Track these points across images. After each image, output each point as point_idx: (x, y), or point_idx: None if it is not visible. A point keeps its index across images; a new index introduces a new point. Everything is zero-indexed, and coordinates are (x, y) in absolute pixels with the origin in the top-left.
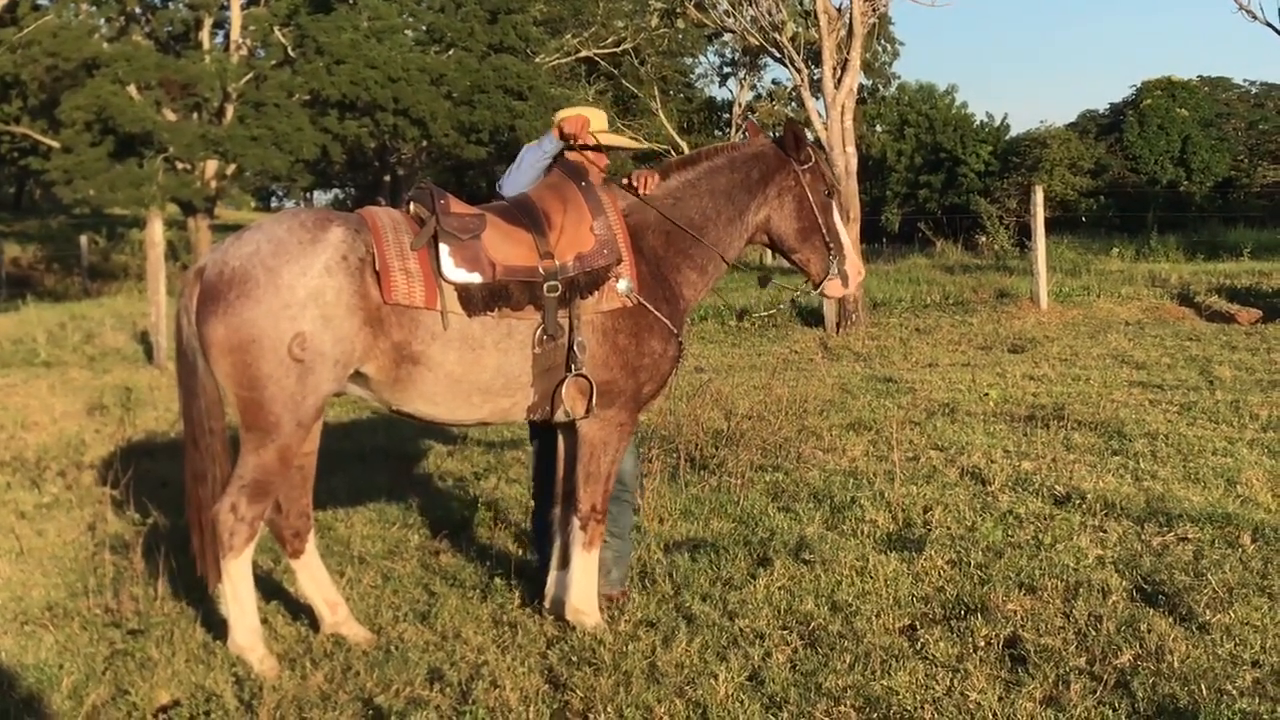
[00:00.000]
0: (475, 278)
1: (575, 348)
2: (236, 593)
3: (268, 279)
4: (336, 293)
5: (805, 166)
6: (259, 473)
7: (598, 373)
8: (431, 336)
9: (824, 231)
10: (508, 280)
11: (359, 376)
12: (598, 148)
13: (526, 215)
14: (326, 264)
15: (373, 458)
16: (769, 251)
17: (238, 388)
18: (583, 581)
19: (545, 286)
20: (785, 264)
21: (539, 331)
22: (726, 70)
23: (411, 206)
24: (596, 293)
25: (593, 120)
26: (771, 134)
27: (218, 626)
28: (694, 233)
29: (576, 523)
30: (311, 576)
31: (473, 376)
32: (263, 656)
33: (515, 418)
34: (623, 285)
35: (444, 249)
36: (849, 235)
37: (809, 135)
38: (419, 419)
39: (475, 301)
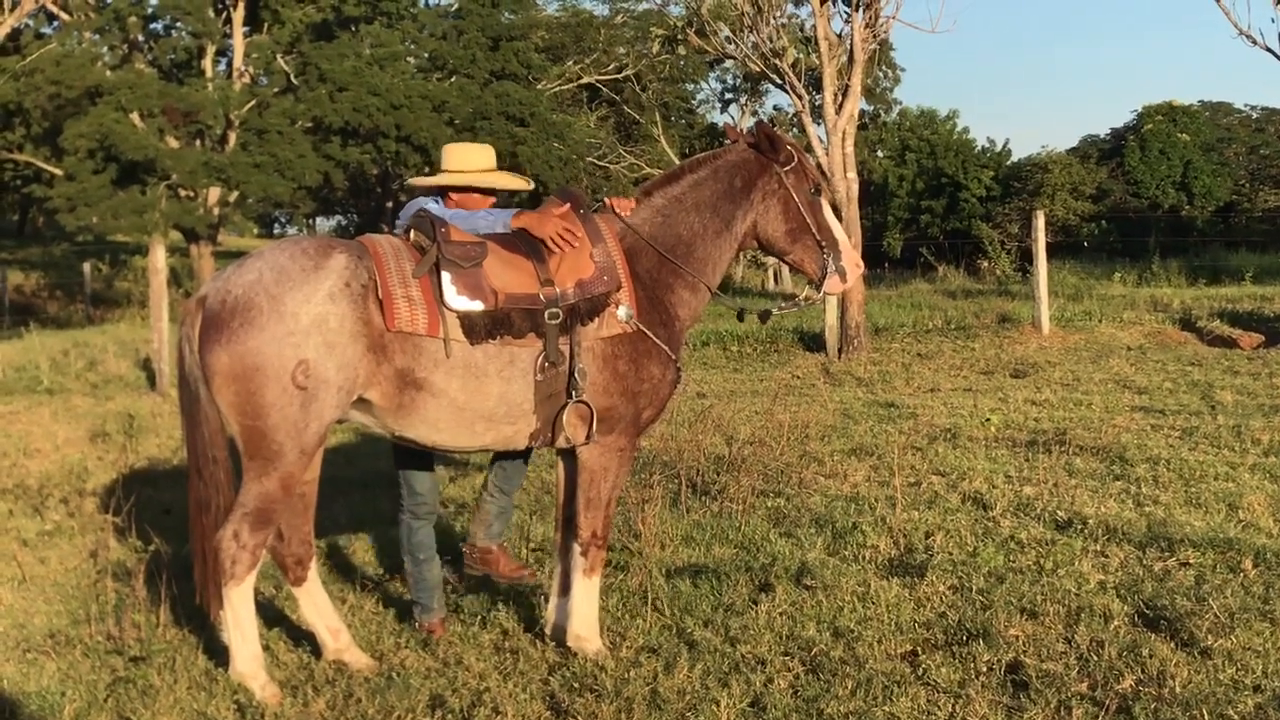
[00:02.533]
0: (478, 305)
1: (576, 374)
2: (238, 620)
3: (271, 306)
4: (340, 319)
5: (787, 167)
6: (261, 501)
7: (598, 399)
8: (435, 364)
9: (814, 230)
10: (510, 308)
11: (362, 402)
12: (489, 191)
13: (526, 243)
14: (330, 291)
15: (375, 483)
16: (771, 278)
17: (241, 416)
18: (584, 608)
19: (547, 314)
20: (783, 300)
21: (540, 359)
22: (728, 96)
23: (412, 234)
24: (597, 319)
25: (481, 156)
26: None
27: (220, 654)
28: (685, 249)
29: (577, 549)
30: (314, 604)
31: (476, 404)
32: (264, 684)
33: (518, 445)
34: (622, 312)
35: (446, 277)
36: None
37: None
38: (421, 445)
39: (478, 329)
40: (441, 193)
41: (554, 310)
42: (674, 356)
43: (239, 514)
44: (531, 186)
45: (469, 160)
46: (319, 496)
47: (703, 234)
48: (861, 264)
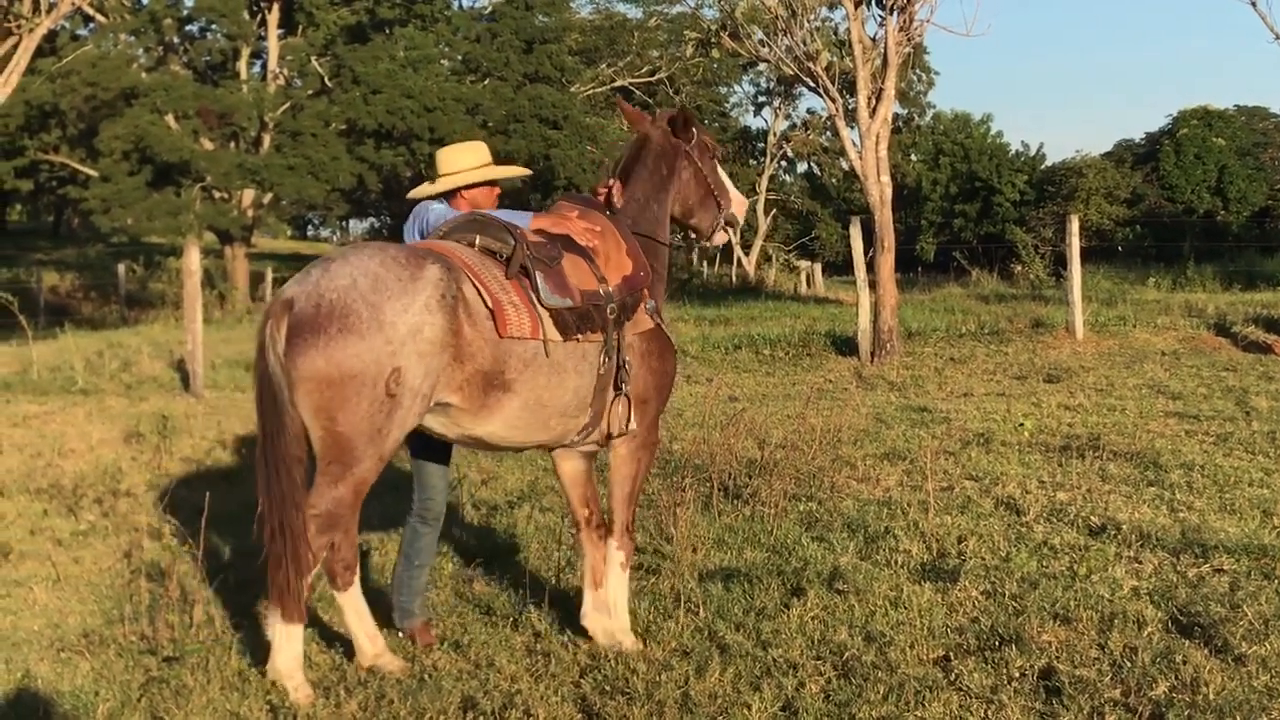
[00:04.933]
0: (567, 302)
1: (625, 367)
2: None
3: (370, 314)
4: (433, 330)
5: (691, 144)
6: (334, 505)
7: (637, 394)
8: (524, 364)
9: (714, 193)
10: (588, 304)
11: (437, 406)
12: (490, 183)
13: (572, 244)
14: (426, 302)
15: (405, 485)
16: (804, 280)
17: (326, 421)
18: (622, 600)
19: (608, 309)
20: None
21: (601, 353)
22: (761, 99)
23: (478, 240)
24: (635, 315)
25: (474, 154)
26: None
27: (253, 654)
28: (650, 246)
29: (614, 543)
30: (355, 610)
31: (555, 399)
32: (299, 684)
33: (571, 440)
34: (650, 305)
35: (539, 276)
36: (885, 265)
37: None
38: (487, 445)
39: (568, 326)
40: (448, 197)
41: (612, 305)
42: (675, 348)
43: (308, 515)
44: (528, 173)
45: (460, 161)
46: None
47: (657, 229)
48: (745, 200)
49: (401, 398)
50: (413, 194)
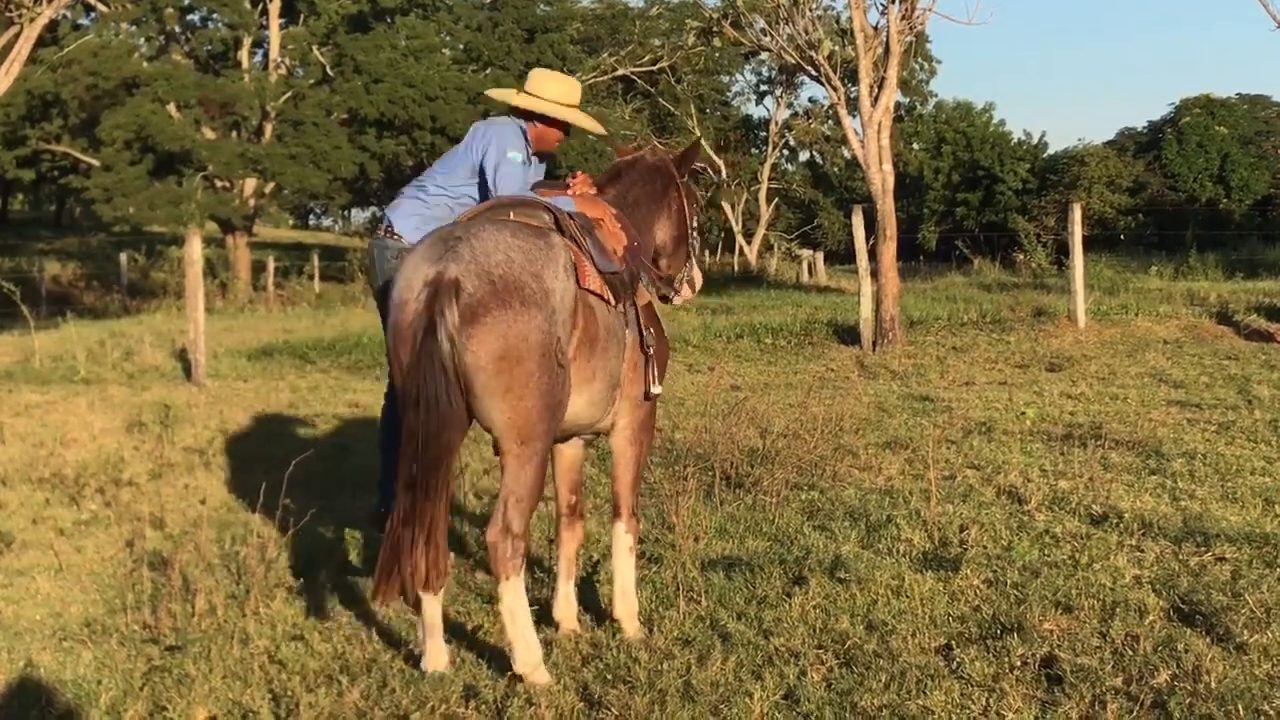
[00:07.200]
0: (613, 267)
1: (645, 332)
2: (518, 614)
3: (537, 284)
4: (570, 296)
5: (685, 179)
6: (533, 487)
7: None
8: (607, 330)
9: (690, 242)
10: (624, 271)
11: None
12: (565, 128)
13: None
14: (565, 266)
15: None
16: (806, 270)
17: (516, 400)
18: (631, 585)
19: (629, 277)
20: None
21: (624, 324)
22: (763, 88)
23: (512, 215)
24: (639, 287)
25: (566, 88)
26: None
27: (254, 642)
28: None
29: (621, 526)
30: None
31: (616, 370)
32: (547, 678)
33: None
34: (645, 280)
35: (590, 243)
36: (887, 253)
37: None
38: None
39: (617, 291)
40: (524, 118)
41: (629, 276)
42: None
43: (512, 504)
44: (604, 131)
45: (548, 88)
46: (351, 488)
47: (641, 228)
48: (701, 279)
49: (565, 367)
50: (491, 92)
